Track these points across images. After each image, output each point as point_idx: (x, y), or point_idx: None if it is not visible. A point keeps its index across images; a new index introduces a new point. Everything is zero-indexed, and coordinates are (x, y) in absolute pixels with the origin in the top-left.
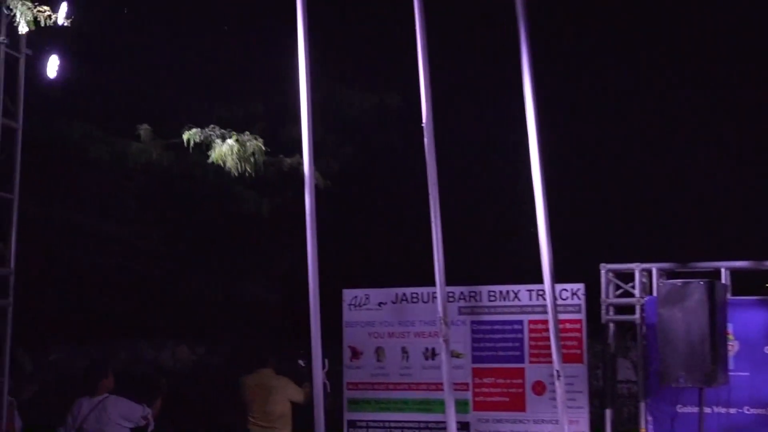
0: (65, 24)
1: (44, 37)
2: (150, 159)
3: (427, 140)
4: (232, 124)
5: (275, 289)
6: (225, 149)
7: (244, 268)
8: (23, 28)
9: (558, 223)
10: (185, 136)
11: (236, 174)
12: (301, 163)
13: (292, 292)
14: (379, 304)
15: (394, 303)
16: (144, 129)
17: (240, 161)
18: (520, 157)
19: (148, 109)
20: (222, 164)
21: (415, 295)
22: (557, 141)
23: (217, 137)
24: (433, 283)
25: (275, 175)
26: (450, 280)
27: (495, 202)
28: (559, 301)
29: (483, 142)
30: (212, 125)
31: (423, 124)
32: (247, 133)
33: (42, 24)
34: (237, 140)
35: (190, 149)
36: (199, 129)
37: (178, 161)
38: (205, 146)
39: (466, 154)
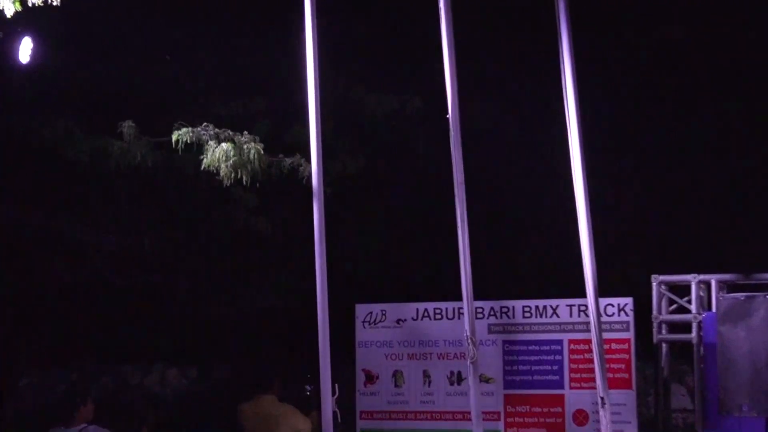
0: (52, 2)
1: (17, 17)
2: (134, 161)
3: (453, 134)
4: (231, 124)
5: (278, 303)
6: (219, 154)
7: (243, 278)
8: (9, 9)
9: (603, 227)
10: (174, 137)
11: (229, 183)
12: (302, 165)
13: (298, 307)
14: (398, 321)
15: (414, 320)
16: (127, 126)
17: (235, 169)
18: (559, 154)
19: (136, 104)
20: (215, 171)
21: (438, 311)
22: (602, 136)
23: (211, 138)
24: (458, 298)
25: (278, 179)
26: (478, 294)
27: (529, 205)
28: (604, 318)
29: (515, 138)
30: (205, 123)
31: (448, 116)
32: (246, 133)
33: (29, 4)
34: (233, 143)
35: (180, 151)
36: (190, 128)
37: (166, 162)
38: (197, 147)
39: (496, 152)
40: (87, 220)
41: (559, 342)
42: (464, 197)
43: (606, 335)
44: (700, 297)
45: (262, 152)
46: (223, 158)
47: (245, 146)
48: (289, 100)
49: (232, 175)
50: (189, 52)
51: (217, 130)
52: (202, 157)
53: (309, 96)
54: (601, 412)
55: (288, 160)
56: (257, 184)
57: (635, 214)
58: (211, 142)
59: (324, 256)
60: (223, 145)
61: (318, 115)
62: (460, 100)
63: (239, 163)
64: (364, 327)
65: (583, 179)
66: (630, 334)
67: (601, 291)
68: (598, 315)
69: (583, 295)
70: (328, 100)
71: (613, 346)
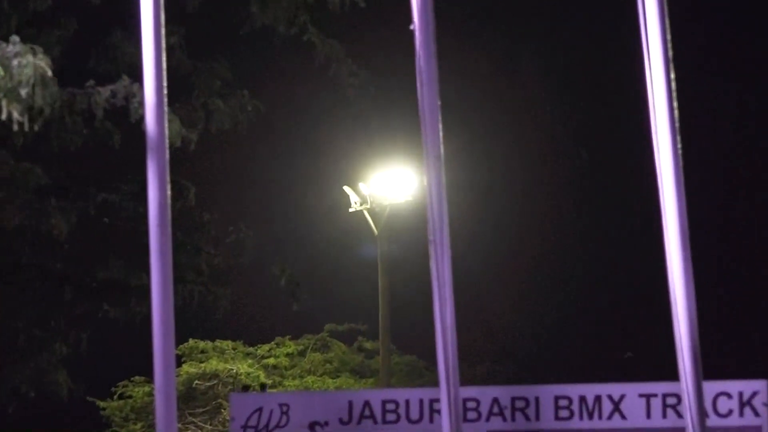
0: None
1: None
2: None
3: (424, 63)
4: None
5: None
6: None
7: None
8: None
9: (708, 246)
10: None
11: None
12: (134, 95)
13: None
14: (312, 425)
15: (344, 423)
16: None
17: None
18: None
19: None
20: None
21: (392, 406)
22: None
23: None
24: (431, 382)
25: (86, 128)
26: (470, 374)
27: (554, 198)
28: (714, 420)
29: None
30: None
31: (412, 27)
32: (16, 40)
33: None
34: None
35: None
36: None
37: None
38: None
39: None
40: None
41: None
42: (442, 184)
43: None
44: None
45: (49, 72)
46: None
47: (15, 61)
48: None
49: None
50: None
51: None
52: None
53: None
54: None
55: (104, 90)
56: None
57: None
58: None
59: (168, 288)
60: None
61: None
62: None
63: (3, 86)
64: None
65: (674, 162)
66: None
67: (709, 369)
68: (702, 414)
69: (674, 376)
70: None
71: None
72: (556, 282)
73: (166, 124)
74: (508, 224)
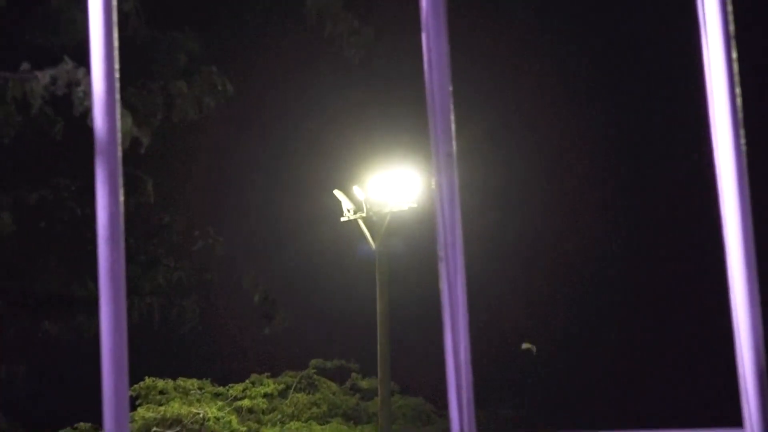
0: None
1: None
2: None
3: (432, 40)
4: None
5: None
6: None
7: None
8: None
9: None
10: None
11: None
12: (78, 83)
13: None
14: None
15: None
16: None
17: None
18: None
19: None
20: None
21: None
22: None
23: None
24: (440, 427)
25: (21, 121)
26: (486, 421)
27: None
28: None
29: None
30: None
31: None
32: None
33: None
34: None
35: None
36: None
37: None
38: None
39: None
40: None
41: None
42: (455, 188)
43: None
44: None
45: None
46: None
47: None
48: None
49: None
50: None
51: None
52: None
53: None
54: None
55: (42, 76)
56: None
57: None
58: None
59: (120, 309)
60: None
61: None
62: None
63: None
64: None
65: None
66: None
67: None
68: None
69: (738, 422)
70: None
71: None
72: (588, 302)
73: (119, 116)
74: (529, 234)
